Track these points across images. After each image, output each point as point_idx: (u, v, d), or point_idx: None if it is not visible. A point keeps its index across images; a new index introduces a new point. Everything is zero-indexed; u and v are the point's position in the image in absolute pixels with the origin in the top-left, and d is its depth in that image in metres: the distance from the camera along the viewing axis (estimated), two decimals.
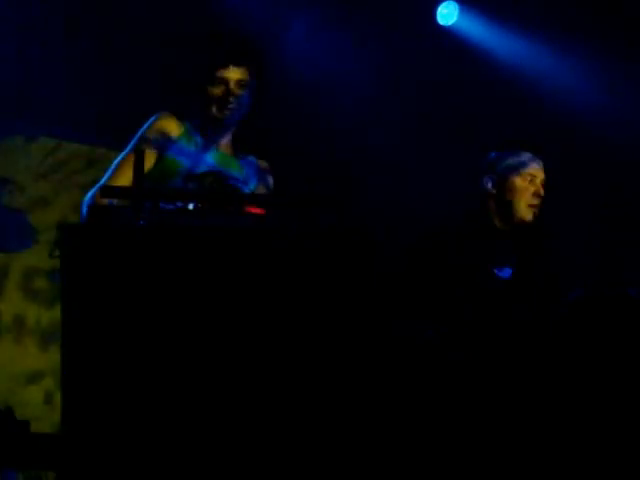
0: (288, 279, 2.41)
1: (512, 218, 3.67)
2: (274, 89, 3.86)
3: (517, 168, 3.68)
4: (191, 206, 2.64)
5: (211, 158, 3.42)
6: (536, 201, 3.67)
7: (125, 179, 3.16)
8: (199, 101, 3.40)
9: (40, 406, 5.25)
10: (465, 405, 3.16)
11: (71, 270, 2.36)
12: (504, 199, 3.67)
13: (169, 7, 5.25)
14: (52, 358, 5.10)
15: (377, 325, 2.47)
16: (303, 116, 5.60)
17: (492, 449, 3.11)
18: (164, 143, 3.36)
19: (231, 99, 3.36)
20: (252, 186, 3.48)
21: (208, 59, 3.38)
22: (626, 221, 5.32)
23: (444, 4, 5.67)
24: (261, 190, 3.52)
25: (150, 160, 3.27)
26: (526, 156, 3.71)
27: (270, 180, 3.57)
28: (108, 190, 2.58)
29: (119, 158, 3.35)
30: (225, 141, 3.47)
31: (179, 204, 2.74)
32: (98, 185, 3.27)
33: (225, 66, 3.35)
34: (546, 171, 3.72)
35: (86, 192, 3.28)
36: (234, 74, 3.36)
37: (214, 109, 3.38)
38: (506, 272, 3.62)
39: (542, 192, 3.68)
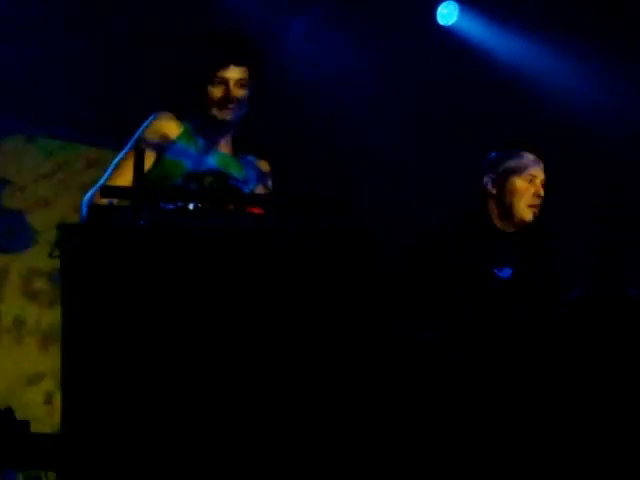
0: (288, 279, 2.41)
1: (512, 218, 3.67)
2: (274, 89, 3.86)
3: (517, 168, 3.68)
4: (191, 206, 2.64)
5: (211, 158, 3.41)
6: (536, 201, 3.67)
7: (124, 179, 3.15)
8: (199, 101, 3.40)
9: (40, 406, 5.25)
10: (465, 405, 3.16)
11: (71, 270, 2.36)
12: (504, 199, 3.67)
13: (169, 7, 5.25)
14: (52, 359, 5.09)
15: (377, 325, 2.47)
16: (303, 116, 5.60)
17: (492, 449, 3.11)
18: (163, 143, 3.36)
19: (231, 99, 3.35)
20: (252, 186, 3.48)
21: (208, 59, 3.37)
22: (626, 221, 5.32)
23: (444, 4, 5.67)
24: (261, 190, 3.51)
25: (149, 160, 3.26)
26: (526, 156, 3.71)
27: (269, 180, 3.57)
28: (108, 190, 2.57)
29: (118, 158, 3.34)
30: (225, 141, 3.47)
31: (179, 204, 2.75)
32: (97, 185, 3.26)
33: (225, 66, 3.35)
34: (546, 171, 3.72)
35: (86, 192, 3.28)
36: (234, 74, 3.36)
37: (214, 109, 3.37)
38: (506, 272, 3.62)
39: (542, 192, 3.68)
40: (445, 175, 5.31)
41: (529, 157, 3.71)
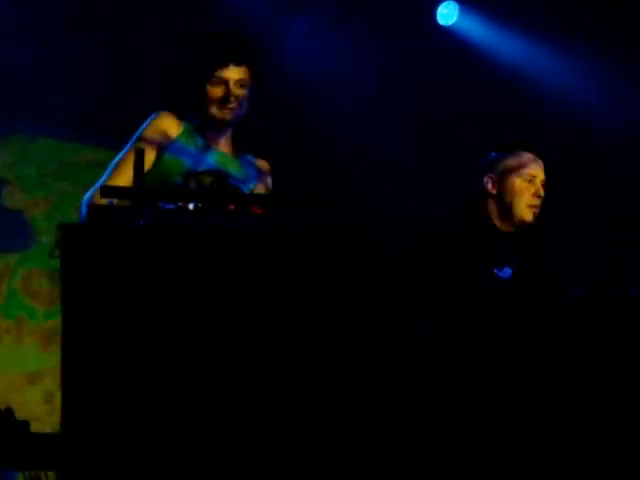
0: (288, 279, 2.41)
1: (512, 218, 3.67)
2: (274, 89, 3.86)
3: (517, 168, 3.68)
4: (191, 206, 2.64)
5: (211, 157, 3.41)
6: (536, 201, 3.67)
7: (124, 179, 3.15)
8: (199, 101, 3.40)
9: (40, 406, 5.25)
10: (465, 405, 3.16)
11: (71, 270, 2.36)
12: (504, 199, 3.67)
13: (169, 7, 5.25)
14: (52, 358, 5.10)
15: (377, 325, 2.47)
16: (303, 116, 5.60)
17: (492, 449, 3.11)
18: (163, 142, 3.36)
19: (231, 99, 3.35)
20: (251, 185, 3.48)
21: (208, 59, 3.37)
22: (626, 221, 5.32)
23: (444, 4, 5.67)
24: (260, 189, 3.51)
25: (149, 159, 3.26)
26: (526, 156, 3.70)
27: (269, 179, 3.57)
28: (108, 190, 2.57)
29: (118, 157, 3.34)
30: (224, 140, 3.47)
31: (179, 204, 2.75)
32: (97, 185, 3.26)
33: (225, 66, 3.35)
34: (546, 171, 3.72)
35: (86, 192, 3.28)
36: (234, 74, 3.36)
37: (214, 109, 3.37)
38: (506, 272, 3.61)
39: (542, 192, 3.67)
40: (445, 175, 5.31)
41: (529, 157, 3.71)
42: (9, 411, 3.93)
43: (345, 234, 2.48)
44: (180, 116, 3.43)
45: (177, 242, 2.40)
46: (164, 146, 3.36)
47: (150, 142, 3.32)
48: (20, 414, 4.37)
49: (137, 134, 3.38)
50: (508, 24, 5.55)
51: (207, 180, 3.30)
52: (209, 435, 2.34)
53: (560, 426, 3.11)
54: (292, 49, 5.62)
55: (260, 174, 3.54)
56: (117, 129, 3.62)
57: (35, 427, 4.30)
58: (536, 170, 3.69)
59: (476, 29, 5.64)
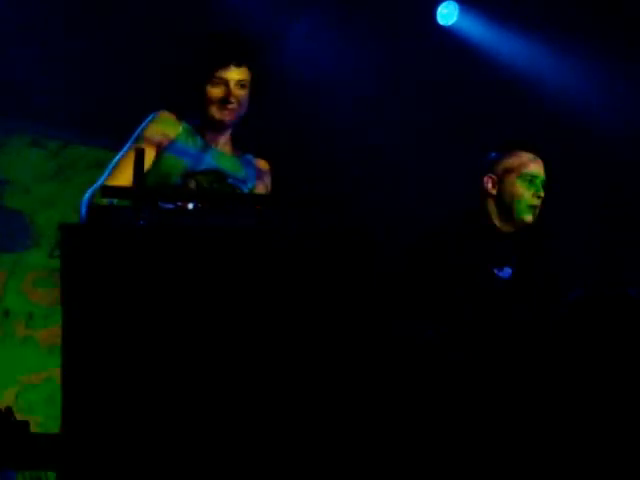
0: (288, 279, 2.41)
1: (512, 218, 3.67)
2: (274, 89, 3.86)
3: (517, 168, 3.68)
4: (190, 206, 2.64)
5: (211, 158, 3.41)
6: (536, 202, 3.67)
7: (124, 178, 3.15)
8: (199, 101, 3.39)
9: (41, 407, 5.25)
10: (465, 405, 3.16)
11: (71, 270, 2.36)
12: (504, 199, 3.67)
13: (169, 7, 5.25)
14: (52, 359, 5.10)
15: (377, 325, 2.47)
16: (303, 116, 5.60)
17: (492, 449, 3.11)
18: (162, 142, 3.36)
19: (231, 99, 3.35)
20: (251, 185, 3.48)
21: (209, 59, 3.37)
22: (626, 221, 5.33)
23: (444, 4, 5.67)
24: (260, 189, 3.51)
25: (149, 159, 3.26)
26: (526, 156, 3.70)
27: (268, 179, 3.57)
28: (108, 190, 2.57)
29: (117, 157, 3.34)
30: (224, 140, 3.47)
31: (179, 203, 2.75)
32: (96, 185, 3.26)
33: (226, 66, 3.34)
34: (546, 171, 3.72)
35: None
36: (235, 74, 3.35)
37: (214, 109, 3.37)
38: (506, 272, 3.61)
39: (542, 193, 3.67)
40: (445, 175, 5.31)
41: (529, 157, 3.70)
42: (9, 411, 3.93)
43: (345, 234, 2.48)
44: (180, 116, 3.43)
45: (177, 242, 2.40)
46: (163, 146, 3.35)
47: (149, 142, 3.32)
48: (20, 414, 4.37)
49: (136, 134, 3.38)
50: (508, 24, 5.55)
51: (207, 180, 3.30)
52: (209, 435, 2.34)
53: (560, 426, 3.11)
54: (292, 49, 5.62)
55: (260, 174, 3.54)
56: (117, 129, 3.62)
57: (35, 428, 4.30)
58: (536, 170, 3.69)
59: (476, 29, 5.65)
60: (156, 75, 5.20)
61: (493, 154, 3.76)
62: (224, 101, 3.35)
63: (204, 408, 2.34)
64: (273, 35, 5.44)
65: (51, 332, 5.35)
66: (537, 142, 3.81)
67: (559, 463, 3.08)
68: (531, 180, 3.67)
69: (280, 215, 2.53)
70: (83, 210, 3.20)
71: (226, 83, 3.35)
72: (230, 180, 3.37)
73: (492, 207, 3.69)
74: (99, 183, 3.27)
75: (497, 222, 3.69)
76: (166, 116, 3.41)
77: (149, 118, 3.40)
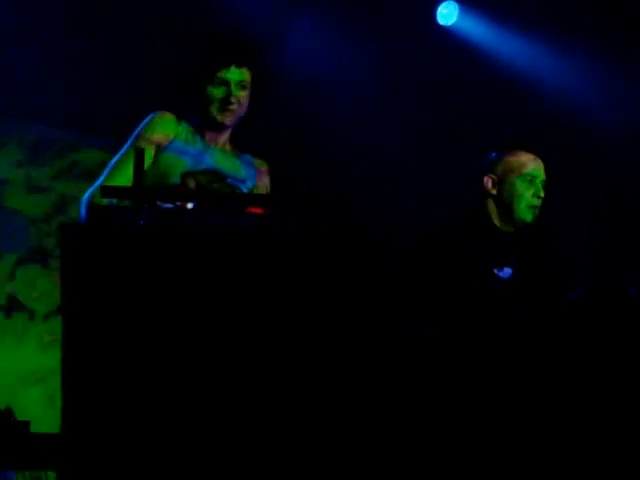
0: (288, 279, 2.41)
1: (512, 218, 3.66)
2: (274, 89, 3.86)
3: (517, 169, 3.67)
4: (190, 205, 2.64)
5: (210, 157, 3.41)
6: (536, 202, 3.66)
7: (124, 178, 3.15)
8: (199, 101, 3.39)
9: (41, 407, 5.25)
10: (465, 405, 3.16)
11: (71, 270, 2.36)
12: (504, 200, 3.67)
13: (169, 7, 5.25)
14: (53, 359, 5.10)
15: (377, 325, 2.47)
16: (303, 116, 5.60)
17: (492, 449, 3.11)
18: (162, 141, 3.36)
19: (232, 100, 3.35)
20: (250, 185, 3.48)
21: (209, 60, 3.37)
22: (626, 221, 5.33)
23: (444, 4, 5.67)
24: (260, 189, 3.51)
25: (148, 158, 3.25)
26: (526, 156, 3.70)
27: (267, 179, 3.57)
28: (108, 190, 2.57)
29: (117, 157, 3.34)
30: (224, 140, 3.47)
31: (178, 203, 2.75)
32: (96, 185, 3.26)
33: (227, 67, 3.34)
34: (546, 171, 3.71)
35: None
36: (236, 75, 3.35)
37: (214, 110, 3.37)
38: (506, 272, 3.61)
39: (542, 193, 3.67)
40: (445, 175, 5.31)
41: (529, 157, 3.70)
42: (9, 411, 3.93)
43: (345, 234, 2.47)
44: (179, 116, 3.43)
45: (177, 242, 2.40)
46: (163, 146, 3.35)
47: (149, 141, 3.32)
48: (20, 415, 4.37)
49: (136, 133, 3.37)
50: (508, 24, 5.55)
51: (206, 179, 3.30)
52: (209, 435, 2.34)
53: (560, 426, 3.11)
54: (292, 49, 5.62)
55: (259, 174, 3.54)
56: (117, 129, 3.62)
57: (35, 427, 4.30)
58: (536, 170, 3.69)
59: (476, 29, 5.65)
60: (156, 75, 5.20)
61: (493, 154, 3.75)
62: (225, 102, 3.35)
63: (204, 408, 2.34)
64: (273, 35, 5.44)
65: (50, 332, 5.36)
66: (537, 142, 3.81)
67: (559, 463, 3.08)
68: (531, 180, 3.67)
69: (280, 215, 2.53)
70: (83, 210, 3.20)
71: (227, 84, 3.35)
72: (230, 180, 3.36)
73: (492, 207, 3.69)
74: (99, 183, 3.27)
75: (497, 222, 3.69)
76: (166, 116, 3.40)
77: (149, 118, 3.40)
